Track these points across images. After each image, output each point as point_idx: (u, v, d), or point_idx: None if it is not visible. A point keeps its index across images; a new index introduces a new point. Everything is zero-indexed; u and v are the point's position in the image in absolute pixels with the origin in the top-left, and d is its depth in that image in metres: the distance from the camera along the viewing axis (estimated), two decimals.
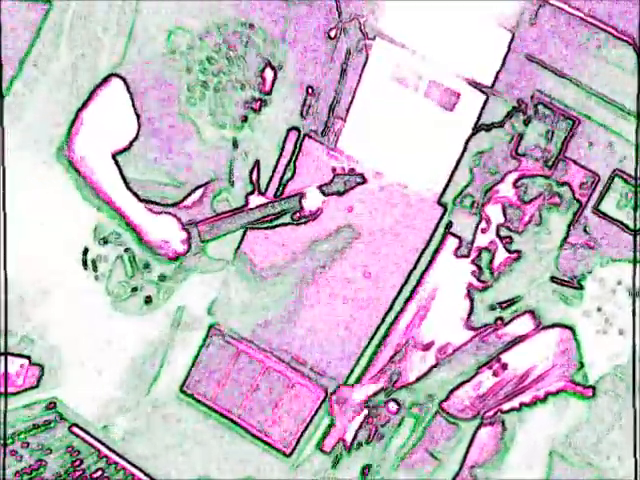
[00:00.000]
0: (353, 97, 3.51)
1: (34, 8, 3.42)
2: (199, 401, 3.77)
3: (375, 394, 3.72)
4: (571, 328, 3.57)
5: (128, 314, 3.62)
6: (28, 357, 3.64)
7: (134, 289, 3.60)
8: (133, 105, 3.43)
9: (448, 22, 3.38)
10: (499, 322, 3.61)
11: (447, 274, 3.62)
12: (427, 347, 3.68)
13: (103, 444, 3.72)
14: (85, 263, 3.58)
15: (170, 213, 3.53)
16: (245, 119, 3.51)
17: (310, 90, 3.50)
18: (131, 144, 3.46)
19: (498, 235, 3.55)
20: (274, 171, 3.58)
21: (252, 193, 3.58)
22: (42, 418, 3.67)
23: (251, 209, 3.56)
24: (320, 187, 3.55)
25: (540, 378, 3.64)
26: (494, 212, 3.54)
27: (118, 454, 3.73)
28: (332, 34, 3.44)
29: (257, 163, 3.58)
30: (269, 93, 3.50)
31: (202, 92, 3.44)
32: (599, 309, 3.54)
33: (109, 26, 3.43)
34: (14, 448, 3.58)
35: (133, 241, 3.55)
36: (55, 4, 3.41)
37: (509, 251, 3.55)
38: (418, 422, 3.73)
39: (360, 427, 3.75)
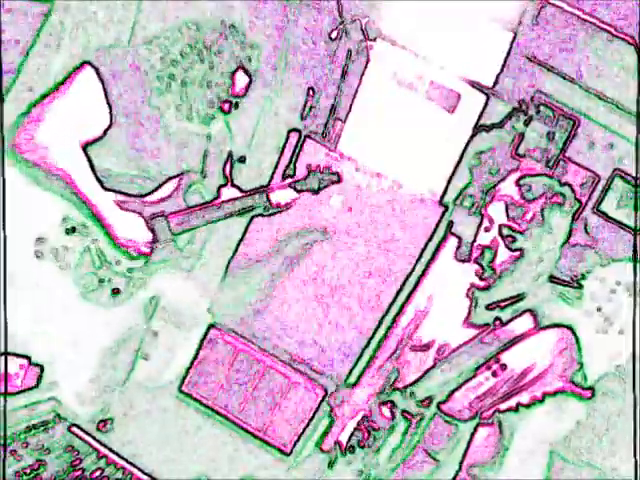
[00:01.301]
0: (354, 98, 3.51)
1: (35, 8, 3.42)
2: (198, 401, 3.76)
3: (376, 394, 3.72)
4: (570, 328, 3.58)
5: (96, 305, 3.64)
6: (28, 357, 3.62)
7: (101, 280, 3.60)
8: (105, 94, 3.47)
9: (449, 23, 3.38)
10: (497, 322, 3.61)
11: (448, 274, 3.62)
12: (426, 347, 3.68)
13: (102, 444, 3.72)
14: (40, 252, 3.58)
15: (138, 212, 3.58)
16: (212, 117, 3.54)
17: (311, 91, 3.50)
18: (103, 134, 3.50)
19: (500, 234, 3.56)
20: (274, 172, 3.58)
21: (224, 185, 3.61)
22: (41, 418, 3.66)
23: (222, 202, 3.59)
24: (293, 183, 3.58)
25: (538, 378, 3.64)
26: (496, 211, 3.55)
27: (118, 454, 3.73)
28: (333, 35, 3.45)
29: (230, 155, 3.59)
30: (241, 96, 3.52)
31: (169, 84, 3.46)
32: (599, 309, 3.55)
33: (110, 26, 3.43)
34: (14, 448, 3.58)
35: (100, 233, 3.58)
36: (56, 4, 3.41)
37: (511, 249, 3.56)
38: (411, 426, 3.73)
39: (354, 431, 3.75)
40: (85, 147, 3.51)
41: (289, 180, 3.58)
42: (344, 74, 3.49)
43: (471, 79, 3.43)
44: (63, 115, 3.49)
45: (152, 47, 3.44)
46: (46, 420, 3.67)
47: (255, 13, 3.44)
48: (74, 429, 3.70)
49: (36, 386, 3.65)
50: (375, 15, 3.42)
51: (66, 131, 3.50)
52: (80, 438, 3.70)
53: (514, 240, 3.55)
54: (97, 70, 3.45)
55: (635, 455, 3.60)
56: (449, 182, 3.53)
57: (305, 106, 3.52)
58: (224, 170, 3.59)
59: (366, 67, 3.48)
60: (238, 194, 3.60)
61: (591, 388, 3.63)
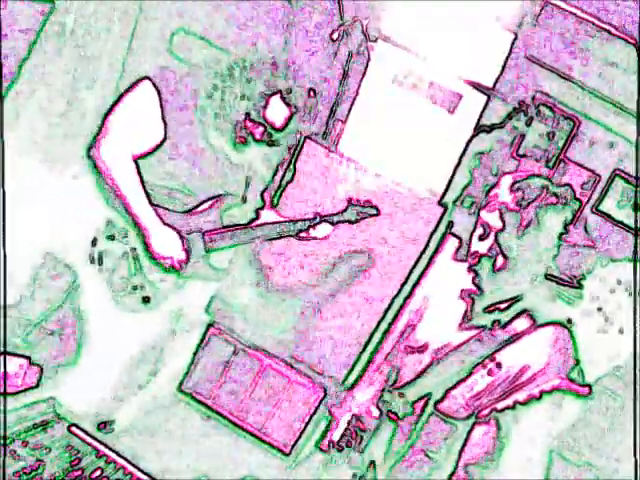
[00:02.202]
0: (354, 99, 3.52)
1: (36, 8, 3.43)
2: (197, 400, 3.76)
3: (377, 395, 3.72)
4: (566, 326, 3.58)
5: (126, 311, 3.66)
6: (28, 357, 3.62)
7: (134, 287, 3.65)
8: (162, 109, 3.54)
9: (450, 24, 3.39)
10: (496, 325, 3.61)
11: (444, 277, 3.63)
12: (422, 349, 3.68)
13: (102, 443, 3.71)
14: (93, 257, 3.64)
15: (176, 229, 3.61)
16: (244, 141, 3.55)
17: (311, 92, 3.51)
18: (155, 149, 3.56)
19: (497, 242, 3.56)
20: (274, 173, 3.59)
21: (262, 208, 3.64)
22: (41, 418, 3.66)
23: (258, 226, 3.63)
24: (331, 215, 3.60)
25: (535, 376, 3.64)
26: (492, 218, 3.56)
27: (117, 453, 3.72)
28: (334, 36, 3.46)
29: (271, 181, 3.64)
30: (279, 130, 3.54)
31: (211, 93, 3.50)
32: (599, 309, 3.56)
33: (112, 26, 3.44)
34: (14, 448, 3.57)
35: (138, 242, 3.61)
36: (58, 4, 3.42)
37: (507, 258, 3.57)
38: (398, 427, 3.73)
39: (345, 430, 3.76)
40: (136, 160, 3.57)
41: (327, 214, 3.61)
42: (345, 75, 3.49)
43: (472, 80, 3.44)
44: (121, 126, 3.55)
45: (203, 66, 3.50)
46: (46, 420, 3.67)
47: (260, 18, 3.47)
48: (74, 429, 3.70)
49: (36, 386, 3.64)
50: (376, 16, 3.43)
51: (121, 142, 3.56)
52: (80, 438, 3.70)
53: (511, 249, 3.56)
54: (155, 85, 3.51)
55: (635, 455, 3.60)
56: (449, 182, 3.54)
57: (305, 107, 3.52)
58: (262, 194, 3.63)
59: (367, 68, 3.49)
60: (276, 218, 3.64)
61: (589, 385, 3.63)
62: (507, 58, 3.40)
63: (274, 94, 3.49)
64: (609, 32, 3.33)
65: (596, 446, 3.66)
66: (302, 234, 3.63)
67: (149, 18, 3.45)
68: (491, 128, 3.46)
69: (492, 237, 3.56)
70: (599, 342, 3.58)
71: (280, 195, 3.60)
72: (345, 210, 3.60)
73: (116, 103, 3.54)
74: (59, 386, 3.68)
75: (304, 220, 3.61)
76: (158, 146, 3.56)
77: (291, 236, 3.63)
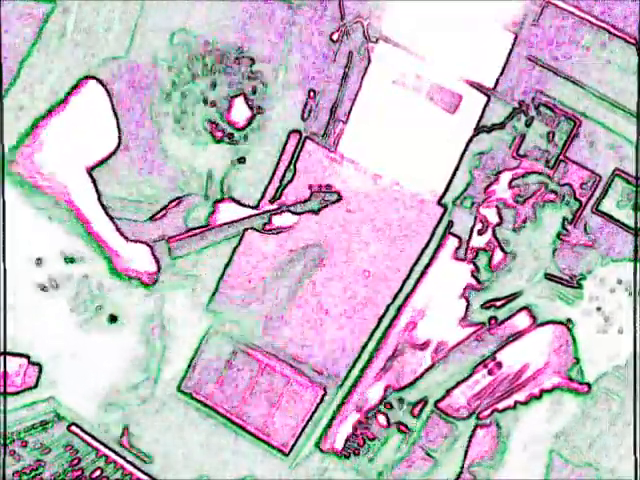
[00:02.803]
0: (355, 99, 3.52)
1: (36, 8, 3.43)
2: (197, 400, 3.76)
3: (386, 392, 3.73)
4: (566, 324, 3.59)
5: (97, 330, 3.61)
6: (27, 357, 3.62)
7: (99, 307, 3.58)
8: (113, 110, 3.41)
9: (450, 24, 3.40)
10: (492, 321, 3.62)
11: (445, 275, 3.63)
12: (423, 347, 3.68)
13: (102, 443, 3.71)
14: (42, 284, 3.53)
15: (143, 242, 3.53)
16: (206, 143, 3.50)
17: (312, 93, 3.51)
18: (108, 157, 3.43)
19: (495, 236, 3.57)
20: (274, 173, 3.58)
21: (222, 200, 3.58)
22: (40, 417, 3.65)
23: (223, 225, 3.57)
24: (293, 205, 3.58)
25: (535, 375, 3.65)
26: (490, 213, 3.56)
27: (117, 453, 3.72)
28: (335, 37, 3.46)
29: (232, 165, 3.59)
30: (240, 129, 3.49)
31: (169, 93, 3.42)
32: (599, 308, 3.56)
33: (113, 26, 3.44)
34: (13, 448, 3.57)
35: (103, 263, 3.52)
36: (58, 4, 3.42)
37: (505, 252, 3.57)
38: (405, 438, 3.74)
39: (350, 437, 3.75)
40: (90, 171, 3.44)
41: (290, 202, 3.57)
42: (345, 75, 3.50)
43: (472, 80, 3.44)
44: (67, 134, 3.41)
45: (158, 58, 3.43)
46: (45, 420, 3.66)
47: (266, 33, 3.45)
48: (73, 428, 3.69)
49: (35, 385, 3.64)
50: (376, 17, 3.43)
51: (70, 153, 3.41)
52: (79, 437, 3.69)
53: (508, 243, 3.57)
54: (103, 85, 3.40)
55: (635, 455, 3.61)
56: (449, 183, 3.54)
57: (306, 107, 3.53)
58: (222, 184, 3.58)
59: (367, 68, 3.49)
60: (236, 209, 3.59)
61: (588, 384, 3.64)
62: (508, 58, 3.41)
63: (237, 96, 3.44)
64: (609, 32, 3.34)
65: (596, 446, 3.66)
66: (267, 226, 3.59)
67: (150, 18, 3.44)
68: (491, 128, 3.46)
69: (490, 232, 3.57)
70: (599, 342, 3.59)
71: (280, 194, 3.60)
72: (308, 199, 3.59)
73: (56, 107, 3.39)
74: (58, 386, 3.67)
75: (267, 212, 3.58)
76: (112, 153, 3.44)
77: (257, 230, 3.59)
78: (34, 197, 3.44)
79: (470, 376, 3.66)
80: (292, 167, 3.58)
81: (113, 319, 3.59)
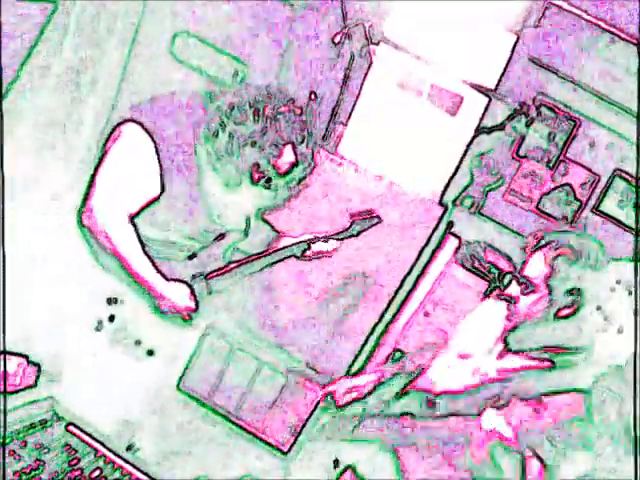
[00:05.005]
0: (355, 101, 3.53)
1: (37, 8, 3.44)
2: (196, 400, 3.75)
3: (379, 382, 3.71)
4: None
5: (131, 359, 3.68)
6: (26, 356, 3.61)
7: (137, 342, 3.65)
8: (157, 152, 3.47)
9: (451, 26, 3.41)
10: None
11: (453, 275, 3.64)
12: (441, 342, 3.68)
13: (101, 443, 3.70)
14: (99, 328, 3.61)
15: (182, 281, 3.58)
16: (239, 184, 3.51)
17: (313, 95, 3.52)
18: (151, 203, 3.50)
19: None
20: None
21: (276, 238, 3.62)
22: (39, 417, 3.65)
23: (259, 256, 3.60)
24: (337, 234, 3.59)
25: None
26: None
27: (116, 453, 3.71)
28: (336, 40, 3.47)
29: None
30: (281, 175, 3.52)
31: (217, 131, 3.44)
32: (598, 308, 3.57)
33: (114, 27, 3.45)
34: (13, 448, 3.56)
35: (144, 303, 3.60)
36: (60, 4, 3.43)
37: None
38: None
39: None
40: (133, 219, 3.51)
41: (330, 233, 3.60)
42: (346, 78, 3.51)
43: (474, 82, 3.46)
44: (112, 181, 3.48)
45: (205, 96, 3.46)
46: (44, 419, 3.65)
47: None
48: (72, 428, 3.68)
49: (34, 385, 3.63)
50: (378, 19, 3.44)
51: (115, 201, 3.48)
52: (78, 437, 3.68)
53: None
54: (142, 126, 3.45)
55: (635, 455, 3.61)
56: (449, 183, 3.55)
57: (307, 109, 3.53)
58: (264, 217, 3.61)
59: (368, 70, 3.51)
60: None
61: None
62: (509, 60, 3.42)
63: (286, 144, 3.46)
64: (610, 33, 3.36)
65: (596, 446, 3.66)
66: (307, 252, 3.61)
67: (151, 20, 3.46)
68: (491, 129, 3.47)
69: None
70: (599, 341, 3.59)
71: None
72: (350, 227, 3.60)
73: (104, 154, 3.45)
74: (57, 385, 3.67)
75: (305, 241, 3.60)
76: (155, 199, 3.50)
77: (296, 257, 3.62)
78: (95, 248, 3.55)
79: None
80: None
81: (151, 353, 3.67)
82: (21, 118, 3.48)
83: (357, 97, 3.53)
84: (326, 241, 3.59)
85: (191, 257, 3.58)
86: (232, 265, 3.60)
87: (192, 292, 3.59)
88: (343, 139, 3.58)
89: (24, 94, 3.47)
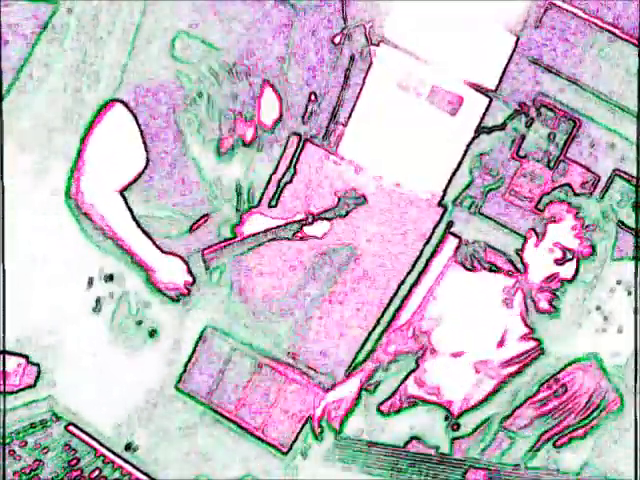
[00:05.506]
0: (355, 101, 3.53)
1: (37, 8, 3.44)
2: (195, 399, 3.75)
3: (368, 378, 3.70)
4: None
5: (131, 348, 3.67)
6: (26, 356, 3.61)
7: (139, 322, 3.63)
8: (140, 131, 3.45)
9: (452, 26, 3.42)
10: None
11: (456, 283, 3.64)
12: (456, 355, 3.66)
13: (100, 443, 3.70)
14: (96, 306, 3.61)
15: (178, 255, 3.58)
16: (232, 148, 3.51)
17: (313, 96, 3.52)
18: (138, 177, 3.48)
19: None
20: (273, 173, 3.59)
21: (248, 212, 3.60)
22: (39, 417, 3.64)
23: (255, 234, 3.59)
24: (325, 212, 3.60)
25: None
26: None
27: (116, 453, 3.71)
28: (336, 40, 3.47)
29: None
30: (269, 131, 3.52)
31: (195, 99, 3.44)
32: (598, 308, 3.57)
33: (114, 28, 3.45)
34: (12, 448, 3.56)
35: (140, 279, 3.58)
36: (61, 4, 3.43)
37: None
38: None
39: None
40: (122, 193, 3.50)
41: (318, 211, 3.60)
42: (346, 78, 3.51)
43: (474, 82, 3.46)
44: (99, 159, 3.47)
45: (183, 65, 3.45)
46: (44, 419, 3.65)
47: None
48: (71, 428, 3.68)
49: (34, 385, 3.63)
50: (379, 19, 3.45)
51: (103, 176, 3.48)
52: (78, 437, 3.68)
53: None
54: (128, 106, 3.44)
55: (635, 455, 3.61)
56: (449, 183, 3.56)
57: (307, 110, 3.54)
58: (248, 194, 3.60)
59: (368, 71, 3.51)
60: (262, 220, 3.62)
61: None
62: (509, 60, 3.43)
63: (266, 85, 3.46)
64: (611, 32, 3.36)
65: (596, 446, 3.66)
66: (299, 234, 3.62)
67: (151, 20, 3.46)
68: (491, 130, 3.48)
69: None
70: (598, 341, 3.59)
71: (279, 197, 3.60)
72: (337, 205, 3.60)
73: (87, 134, 3.46)
74: (57, 385, 3.67)
75: (298, 221, 3.61)
76: (140, 174, 3.49)
77: (287, 239, 3.63)
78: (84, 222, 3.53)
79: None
80: (292, 169, 3.58)
81: (153, 334, 3.66)
82: (21, 118, 3.48)
83: (357, 97, 3.53)
84: (315, 221, 3.59)
85: (185, 232, 3.58)
86: (227, 241, 3.60)
87: (188, 267, 3.58)
88: (343, 139, 3.58)
89: (24, 94, 3.47)
